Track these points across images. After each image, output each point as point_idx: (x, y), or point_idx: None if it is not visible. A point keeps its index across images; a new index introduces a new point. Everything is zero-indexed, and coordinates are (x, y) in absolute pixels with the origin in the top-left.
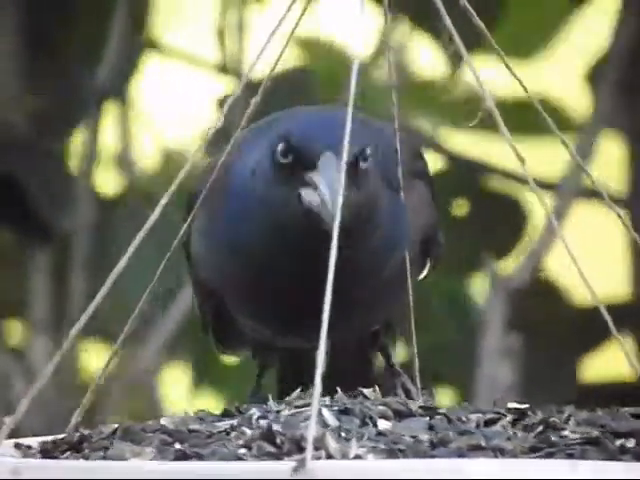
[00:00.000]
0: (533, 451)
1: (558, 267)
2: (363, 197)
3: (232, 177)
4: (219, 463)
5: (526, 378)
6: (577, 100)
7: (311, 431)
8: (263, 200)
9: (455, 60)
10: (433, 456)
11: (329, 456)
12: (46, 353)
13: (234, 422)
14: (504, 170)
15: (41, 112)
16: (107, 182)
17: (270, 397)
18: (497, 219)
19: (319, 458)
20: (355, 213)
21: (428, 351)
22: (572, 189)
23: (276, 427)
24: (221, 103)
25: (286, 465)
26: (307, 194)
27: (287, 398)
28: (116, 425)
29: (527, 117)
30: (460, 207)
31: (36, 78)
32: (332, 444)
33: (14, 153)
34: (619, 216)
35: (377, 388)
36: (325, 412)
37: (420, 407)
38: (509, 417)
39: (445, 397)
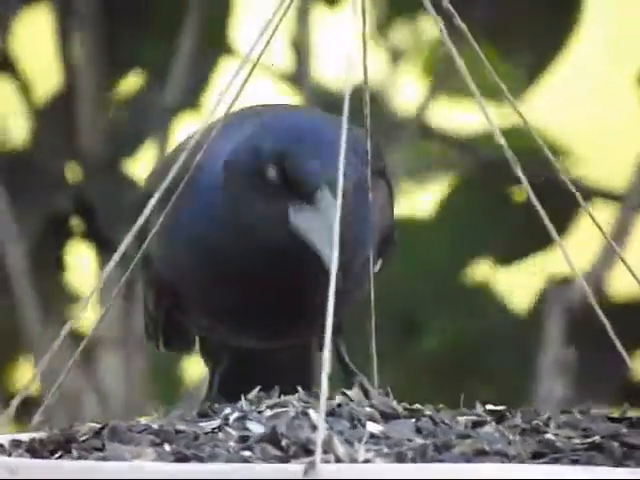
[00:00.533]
0: (537, 457)
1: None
2: (345, 214)
3: (201, 173)
4: (230, 465)
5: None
6: None
7: (320, 434)
8: (236, 201)
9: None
10: (441, 460)
11: (337, 460)
12: (115, 369)
13: (216, 423)
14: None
15: (115, 128)
16: None
17: (242, 398)
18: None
19: (328, 462)
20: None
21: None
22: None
23: (281, 429)
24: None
25: (297, 467)
26: (299, 217)
27: (250, 398)
28: (93, 424)
29: None
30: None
31: (110, 93)
32: (340, 448)
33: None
34: None
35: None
36: (312, 414)
37: (405, 409)
38: (490, 419)
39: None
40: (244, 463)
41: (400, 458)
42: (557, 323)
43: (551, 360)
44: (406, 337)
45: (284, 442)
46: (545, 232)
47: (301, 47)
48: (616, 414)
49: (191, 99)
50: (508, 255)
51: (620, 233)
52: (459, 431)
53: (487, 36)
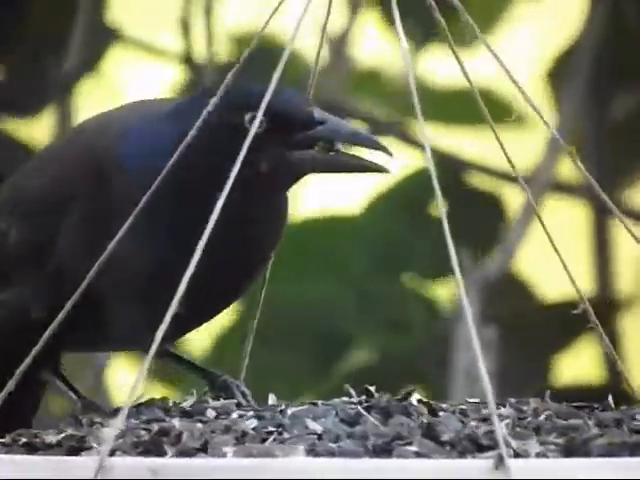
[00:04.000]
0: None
1: (529, 262)
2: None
3: (127, 175)
4: (414, 461)
5: (500, 371)
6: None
7: (500, 429)
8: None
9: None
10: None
11: (516, 454)
12: None
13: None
14: (480, 165)
15: (6, 95)
16: None
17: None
18: (475, 216)
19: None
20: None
21: (404, 351)
22: (543, 182)
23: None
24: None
25: (485, 462)
26: (303, 154)
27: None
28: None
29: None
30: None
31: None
32: (514, 443)
33: None
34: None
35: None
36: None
37: (422, 403)
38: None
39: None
40: (426, 459)
41: (569, 452)
42: (474, 303)
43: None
44: (333, 352)
45: (447, 436)
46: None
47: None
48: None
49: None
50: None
51: (528, 214)
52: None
53: None
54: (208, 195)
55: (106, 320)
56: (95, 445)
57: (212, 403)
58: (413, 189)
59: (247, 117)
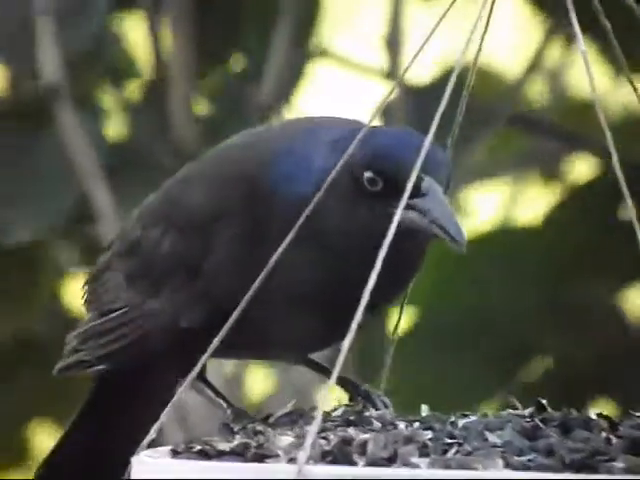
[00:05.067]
0: None
1: None
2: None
3: (274, 198)
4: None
5: None
6: None
7: None
8: (340, 222)
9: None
10: None
11: None
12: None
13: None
14: None
15: (208, 124)
16: None
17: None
18: None
19: None
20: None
21: (588, 361)
22: None
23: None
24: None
25: None
26: (409, 214)
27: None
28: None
29: None
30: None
31: (203, 90)
32: None
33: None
34: None
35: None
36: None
37: (602, 417)
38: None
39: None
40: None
41: None
42: None
43: None
44: (513, 361)
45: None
46: None
47: (394, 43)
48: None
49: (284, 95)
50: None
51: None
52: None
53: None
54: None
55: (262, 329)
56: (280, 453)
57: (371, 412)
58: (596, 195)
59: (365, 176)
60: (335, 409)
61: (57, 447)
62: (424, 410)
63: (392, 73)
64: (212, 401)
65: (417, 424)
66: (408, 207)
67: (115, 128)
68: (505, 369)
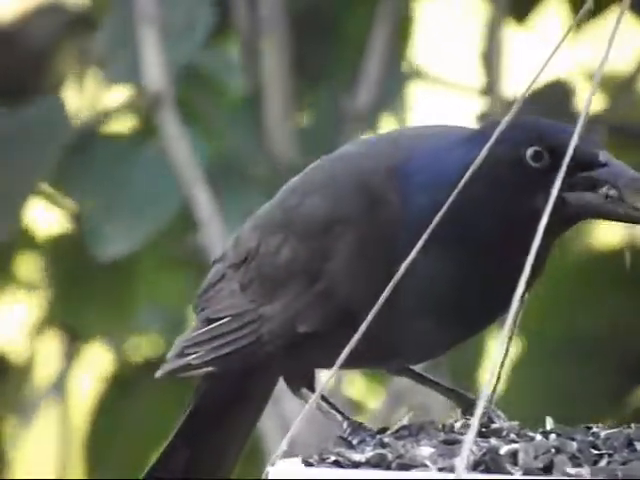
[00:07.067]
0: None
1: None
2: None
3: (405, 203)
4: None
5: None
6: None
7: None
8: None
9: None
10: None
11: None
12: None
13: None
14: None
15: (304, 136)
16: None
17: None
18: None
19: None
20: None
21: None
22: None
23: None
24: (481, 119)
25: None
26: (584, 195)
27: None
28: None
29: None
30: None
31: (300, 103)
32: None
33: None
34: None
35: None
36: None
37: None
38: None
39: None
40: None
41: None
42: None
43: None
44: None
45: None
46: None
47: (491, 62)
48: None
49: (380, 108)
50: None
51: None
52: None
53: None
54: (486, 228)
55: (387, 335)
56: (427, 462)
57: (501, 424)
58: None
59: (529, 152)
60: (456, 421)
61: (162, 455)
62: (549, 423)
63: (490, 90)
64: (326, 414)
65: (553, 435)
66: (581, 184)
67: (214, 140)
68: (618, 388)
